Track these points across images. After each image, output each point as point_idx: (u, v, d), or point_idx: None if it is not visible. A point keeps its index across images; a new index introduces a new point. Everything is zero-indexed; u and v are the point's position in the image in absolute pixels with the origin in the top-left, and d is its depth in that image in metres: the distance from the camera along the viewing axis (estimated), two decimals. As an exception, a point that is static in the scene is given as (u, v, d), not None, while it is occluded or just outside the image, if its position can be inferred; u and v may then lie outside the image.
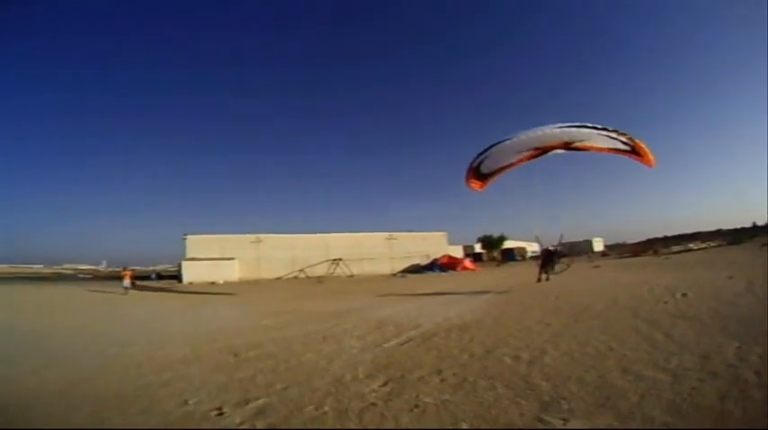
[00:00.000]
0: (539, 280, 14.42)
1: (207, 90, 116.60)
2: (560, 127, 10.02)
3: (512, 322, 7.78)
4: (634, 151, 9.60)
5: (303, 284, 27.86)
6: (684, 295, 9.48)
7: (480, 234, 63.62)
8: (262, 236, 39.43)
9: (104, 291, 20.38)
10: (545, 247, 14.68)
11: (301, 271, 37.68)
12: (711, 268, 15.97)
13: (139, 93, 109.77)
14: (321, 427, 3.37)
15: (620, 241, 65.94)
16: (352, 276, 35.64)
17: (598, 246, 62.63)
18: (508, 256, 55.07)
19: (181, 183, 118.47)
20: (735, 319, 6.43)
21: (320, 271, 37.61)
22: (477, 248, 62.78)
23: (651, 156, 9.57)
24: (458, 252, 46.79)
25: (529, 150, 10.30)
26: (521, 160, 10.60)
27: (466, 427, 3.15)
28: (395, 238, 42.17)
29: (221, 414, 3.82)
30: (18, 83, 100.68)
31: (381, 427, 3.29)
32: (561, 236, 13.49)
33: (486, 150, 11.06)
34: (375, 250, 41.14)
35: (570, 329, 6.78)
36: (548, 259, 14.52)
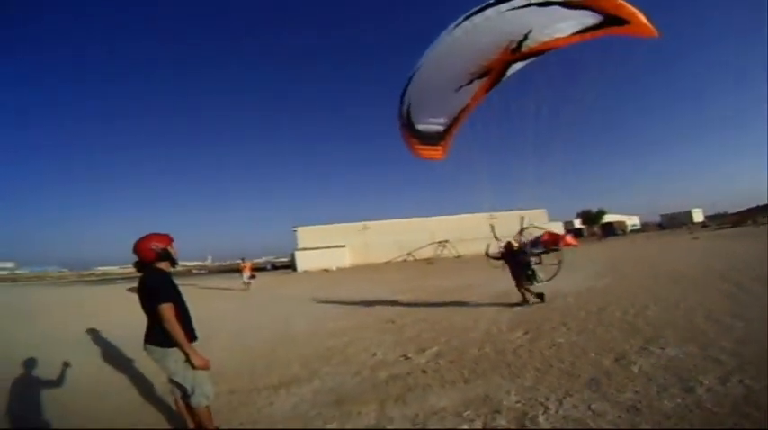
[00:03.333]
0: (524, 300, 7.78)
1: (314, 87, 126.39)
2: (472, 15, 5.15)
3: (618, 288, 8.76)
4: (615, 20, 4.79)
5: (415, 266, 28.96)
6: (768, 261, 9.70)
7: (579, 209, 61.34)
8: (369, 223, 41.14)
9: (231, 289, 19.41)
10: (504, 244, 8.58)
11: (409, 254, 39.25)
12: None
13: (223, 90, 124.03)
14: (487, 363, 4.18)
15: (721, 211, 60.84)
16: (459, 257, 36.45)
17: (698, 216, 59.01)
18: (608, 231, 52.38)
19: (279, 176, 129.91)
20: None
21: (427, 253, 38.77)
22: (577, 224, 60.27)
23: (641, 17, 4.72)
24: (558, 228, 45.12)
25: (471, 80, 5.51)
26: (474, 98, 5.77)
27: (592, 355, 4.17)
28: (495, 218, 41.77)
29: (407, 358, 4.67)
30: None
31: (529, 362, 4.14)
32: (522, 219, 8.48)
33: (404, 93, 6.30)
34: (477, 230, 41.46)
35: (668, 291, 7.72)
36: (518, 264, 7.93)
